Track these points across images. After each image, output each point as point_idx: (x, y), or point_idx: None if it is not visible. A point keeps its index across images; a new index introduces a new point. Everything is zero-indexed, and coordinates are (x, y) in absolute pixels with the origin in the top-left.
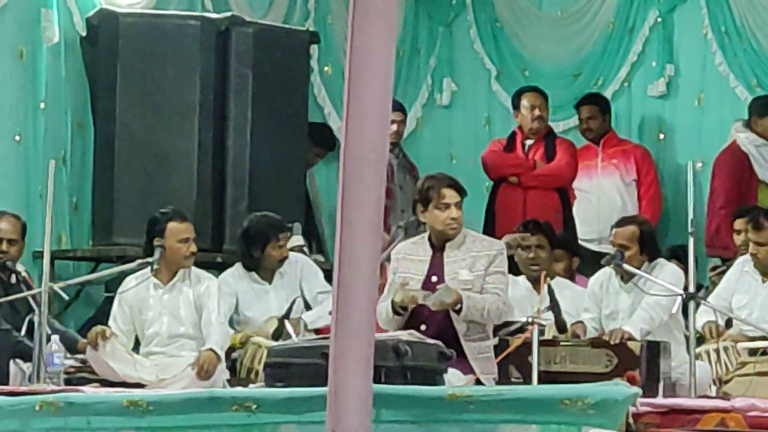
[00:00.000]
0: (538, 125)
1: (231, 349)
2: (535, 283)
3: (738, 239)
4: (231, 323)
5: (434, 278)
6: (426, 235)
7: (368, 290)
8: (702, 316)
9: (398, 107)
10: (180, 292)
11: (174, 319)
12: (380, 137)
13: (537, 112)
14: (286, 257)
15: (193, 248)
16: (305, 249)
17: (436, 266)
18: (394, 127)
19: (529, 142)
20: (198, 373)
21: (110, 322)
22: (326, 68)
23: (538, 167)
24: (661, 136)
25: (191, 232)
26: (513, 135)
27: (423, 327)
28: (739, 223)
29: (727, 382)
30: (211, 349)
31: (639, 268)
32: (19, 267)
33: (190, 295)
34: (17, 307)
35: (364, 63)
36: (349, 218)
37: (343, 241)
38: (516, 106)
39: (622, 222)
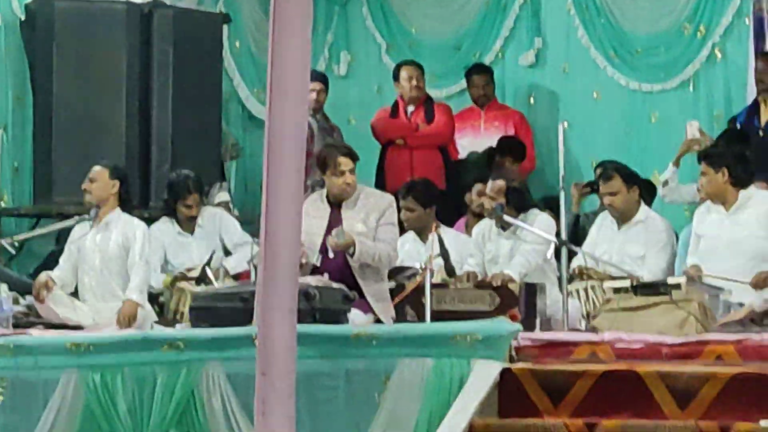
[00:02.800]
0: (416, 94)
1: (159, 293)
2: (421, 233)
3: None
4: (161, 270)
5: (333, 232)
6: (324, 192)
7: (292, 251)
8: (573, 262)
9: (320, 78)
10: (111, 232)
11: (104, 257)
12: (300, 114)
13: (414, 82)
14: (199, 210)
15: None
16: (230, 205)
17: (335, 222)
18: (314, 95)
19: (410, 108)
20: (118, 322)
21: (56, 268)
22: (236, 44)
23: (420, 129)
24: (532, 101)
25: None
26: (396, 103)
27: (326, 275)
28: (599, 171)
29: (594, 317)
30: (130, 300)
31: (516, 217)
32: None
33: (120, 237)
34: None
35: (284, 49)
36: (274, 186)
37: (269, 206)
38: (396, 77)
39: (497, 177)
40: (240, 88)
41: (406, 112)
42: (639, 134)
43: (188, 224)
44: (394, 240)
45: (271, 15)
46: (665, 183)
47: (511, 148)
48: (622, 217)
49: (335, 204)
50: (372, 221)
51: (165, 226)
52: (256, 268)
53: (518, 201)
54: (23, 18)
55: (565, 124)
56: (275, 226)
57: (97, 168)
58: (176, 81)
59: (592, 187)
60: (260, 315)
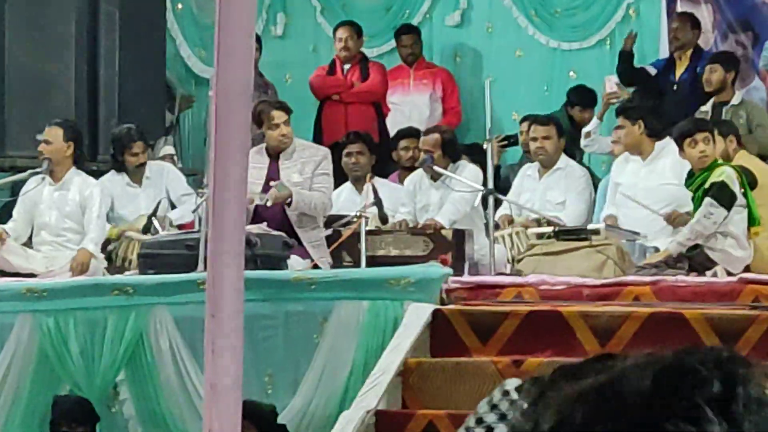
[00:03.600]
0: (348, 53)
1: (107, 242)
2: (356, 183)
3: (526, 142)
4: (108, 220)
5: (272, 183)
6: (263, 146)
7: (238, 199)
8: (499, 210)
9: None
10: (68, 191)
11: (60, 214)
12: (246, 72)
13: (348, 42)
14: (144, 162)
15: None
16: (174, 158)
17: (273, 172)
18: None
19: (346, 66)
20: (72, 269)
21: (10, 220)
22: (178, 6)
23: (355, 87)
24: (457, 59)
25: (56, 135)
26: (334, 61)
27: (265, 223)
28: (524, 125)
29: (519, 261)
30: (85, 249)
31: (445, 168)
32: None
33: (77, 195)
34: None
35: (231, 12)
36: (222, 139)
37: (218, 156)
38: (334, 38)
39: (428, 131)
40: (182, 47)
41: (342, 70)
42: (558, 90)
43: (136, 175)
44: (329, 189)
45: None
46: (587, 134)
47: (582, 96)
48: (548, 163)
49: (273, 156)
50: (308, 172)
51: (114, 177)
52: (200, 218)
53: (452, 152)
54: None
55: (490, 79)
56: (223, 176)
57: (51, 129)
58: (122, 41)
59: (509, 140)
60: (210, 260)
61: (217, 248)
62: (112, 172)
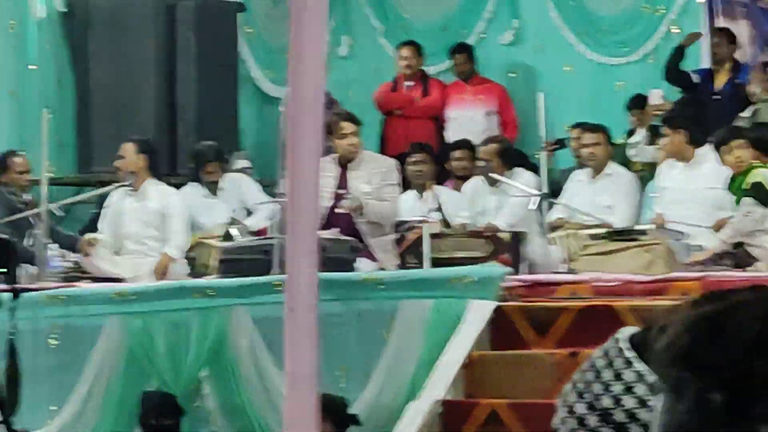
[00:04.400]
0: (410, 71)
1: (189, 250)
2: (420, 191)
3: (577, 149)
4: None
5: (341, 191)
6: (334, 156)
7: (313, 203)
8: (553, 212)
9: None
10: (147, 201)
11: (142, 223)
12: (318, 81)
13: (411, 61)
14: (221, 175)
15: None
16: (248, 170)
17: (342, 180)
18: None
19: (409, 83)
20: (156, 273)
21: (98, 231)
22: (248, 30)
23: (417, 102)
24: (511, 75)
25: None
26: (396, 78)
27: (336, 229)
28: (575, 132)
29: (573, 260)
30: (167, 254)
31: (503, 175)
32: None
33: (157, 204)
34: (22, 223)
35: (304, 40)
36: (297, 146)
37: (294, 164)
38: (398, 56)
39: (486, 141)
40: (253, 69)
41: (405, 87)
42: (605, 103)
43: (212, 188)
44: (395, 198)
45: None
46: (635, 144)
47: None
48: (597, 168)
49: (343, 165)
50: (376, 182)
51: (192, 189)
52: (274, 224)
53: (509, 160)
54: (64, 11)
55: (542, 95)
56: (298, 183)
57: (124, 145)
58: (198, 64)
59: (562, 144)
60: (288, 258)
61: (293, 249)
62: (191, 183)
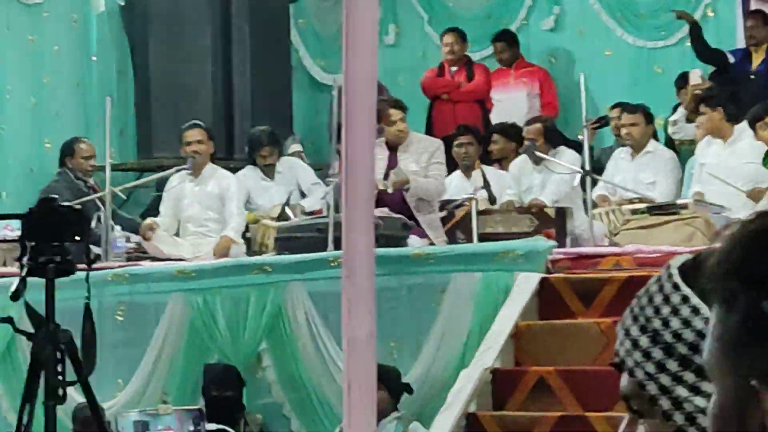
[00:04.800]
0: (454, 57)
1: (245, 229)
2: (466, 171)
3: (617, 128)
4: (245, 209)
5: (391, 171)
6: (383, 140)
7: (368, 181)
8: (596, 189)
9: None
10: (207, 185)
11: (202, 206)
12: (371, 68)
13: (454, 47)
14: (275, 159)
15: (207, 148)
16: (302, 154)
17: (392, 162)
18: None
19: (454, 68)
20: (215, 254)
21: (159, 215)
22: (300, 21)
23: (462, 86)
24: (553, 60)
25: (203, 136)
26: (442, 64)
27: (387, 208)
28: (614, 112)
29: (616, 234)
30: (226, 236)
31: (546, 154)
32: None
33: (216, 188)
34: (88, 207)
35: (357, 29)
36: (351, 133)
37: (349, 145)
38: (442, 43)
39: (531, 121)
40: (305, 58)
41: (450, 72)
42: (645, 85)
43: (268, 171)
44: (442, 176)
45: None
46: (674, 122)
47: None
48: (637, 147)
49: (392, 149)
50: (423, 161)
51: (249, 172)
52: (328, 205)
53: (553, 139)
54: (123, 4)
55: (584, 74)
56: (354, 163)
57: (197, 131)
58: (252, 53)
59: (601, 122)
60: (344, 230)
61: (350, 223)
62: (248, 167)
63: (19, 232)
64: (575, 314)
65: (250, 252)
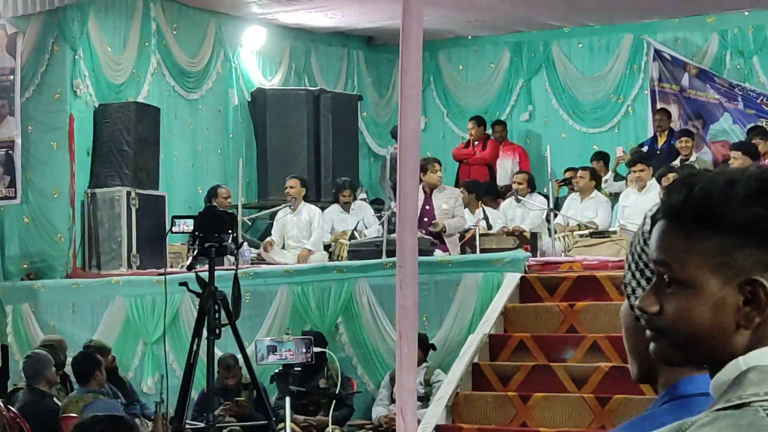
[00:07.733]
0: (476, 135)
1: (328, 246)
2: (469, 208)
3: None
4: (330, 232)
5: (427, 207)
6: (422, 185)
7: (413, 213)
8: (556, 220)
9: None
10: (301, 216)
11: (298, 230)
12: (415, 145)
13: (473, 129)
14: (350, 201)
15: (301, 192)
16: (366, 199)
17: (427, 202)
18: None
19: (476, 142)
20: (299, 259)
21: (272, 234)
22: (364, 114)
23: (477, 155)
24: (527, 140)
25: (298, 184)
26: (469, 140)
27: (423, 230)
28: (569, 173)
29: (569, 250)
30: (305, 248)
31: (525, 196)
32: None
33: (306, 218)
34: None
35: (407, 104)
36: (404, 179)
37: (402, 188)
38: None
39: (519, 173)
40: (367, 137)
41: (473, 145)
42: (587, 157)
43: (346, 207)
44: (462, 215)
45: (399, 84)
46: (606, 181)
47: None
48: (584, 194)
49: (428, 192)
50: (452, 202)
51: (334, 207)
52: (382, 230)
53: (531, 186)
54: (250, 99)
55: (548, 149)
56: (405, 199)
57: (294, 181)
58: (333, 132)
59: (568, 181)
60: (398, 233)
61: (402, 235)
62: (334, 205)
63: (192, 227)
64: (543, 299)
65: (331, 259)
